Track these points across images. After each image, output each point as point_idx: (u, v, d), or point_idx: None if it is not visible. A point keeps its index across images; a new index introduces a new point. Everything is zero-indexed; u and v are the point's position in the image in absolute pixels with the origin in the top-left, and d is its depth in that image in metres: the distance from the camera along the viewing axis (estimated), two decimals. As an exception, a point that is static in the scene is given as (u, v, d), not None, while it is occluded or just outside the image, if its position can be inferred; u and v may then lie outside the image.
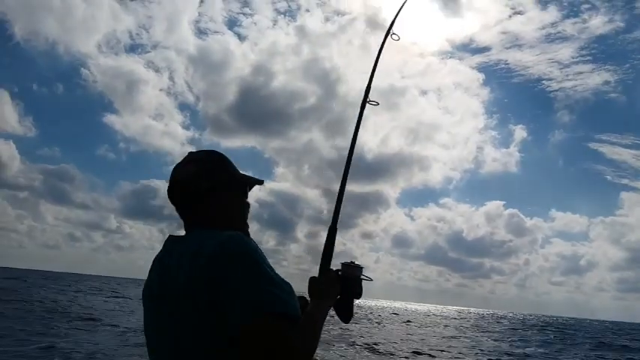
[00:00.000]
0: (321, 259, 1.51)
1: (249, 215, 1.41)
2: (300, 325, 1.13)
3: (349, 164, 1.63)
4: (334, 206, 1.57)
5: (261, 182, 1.45)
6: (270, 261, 1.21)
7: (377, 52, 1.84)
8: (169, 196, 1.35)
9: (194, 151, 1.41)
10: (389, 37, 1.88)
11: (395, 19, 1.91)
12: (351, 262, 1.46)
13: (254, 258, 1.14)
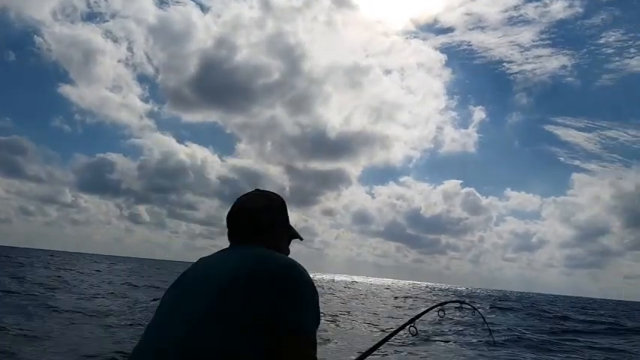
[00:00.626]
0: None
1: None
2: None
3: None
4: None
5: (301, 239, 1.62)
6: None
7: None
8: (231, 219, 1.47)
9: (262, 189, 1.58)
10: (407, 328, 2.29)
11: None
12: None
13: (315, 289, 1.28)
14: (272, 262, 1.27)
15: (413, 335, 2.19)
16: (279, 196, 1.56)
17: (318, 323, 1.26)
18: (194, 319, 1.19)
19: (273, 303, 1.19)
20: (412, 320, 2.30)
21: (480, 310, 3.11)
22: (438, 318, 2.67)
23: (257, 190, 1.56)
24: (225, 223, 1.48)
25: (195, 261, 1.43)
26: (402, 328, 2.27)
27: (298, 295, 1.22)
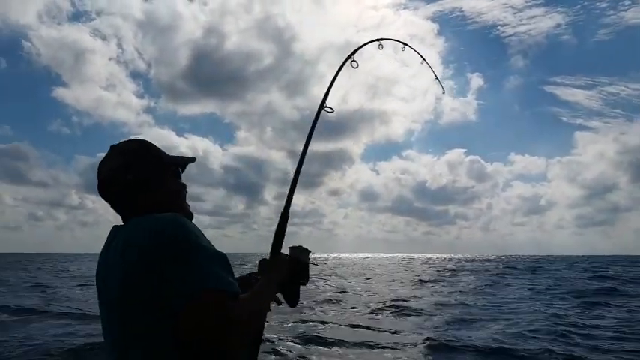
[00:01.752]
0: (272, 242, 1.55)
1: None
2: (243, 298, 1.14)
3: (299, 170, 1.71)
4: (287, 192, 1.64)
5: (192, 160, 1.45)
6: (240, 225, 1.30)
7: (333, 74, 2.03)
8: (100, 195, 1.33)
9: (115, 144, 1.38)
10: (348, 61, 2.08)
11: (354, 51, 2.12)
12: (299, 246, 1.51)
13: (186, 238, 1.12)
14: (139, 239, 1.13)
15: (355, 68, 2.04)
16: (132, 142, 1.37)
17: (218, 266, 1.12)
18: (118, 341, 1.14)
19: (159, 282, 1.07)
20: (351, 55, 2.11)
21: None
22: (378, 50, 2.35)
23: (110, 148, 1.36)
24: None
25: None
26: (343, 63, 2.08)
27: (179, 257, 1.09)
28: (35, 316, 10.94)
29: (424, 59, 2.61)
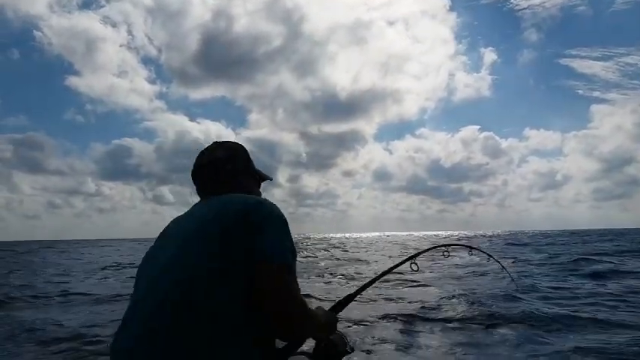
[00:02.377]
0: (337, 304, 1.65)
1: None
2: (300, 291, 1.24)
3: None
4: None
5: (270, 179, 1.68)
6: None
7: None
8: (195, 176, 1.53)
9: (219, 140, 1.61)
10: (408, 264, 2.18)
11: None
12: (340, 334, 1.56)
13: (285, 220, 1.32)
14: (239, 202, 1.30)
15: (414, 271, 2.14)
16: (238, 144, 1.61)
17: (294, 255, 1.27)
18: (171, 270, 1.21)
19: (245, 237, 1.21)
20: (414, 256, 2.18)
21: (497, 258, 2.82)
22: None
23: (215, 142, 1.59)
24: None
25: None
26: (404, 262, 2.16)
27: (270, 227, 1.24)
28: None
29: (491, 256, 2.78)
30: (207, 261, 1.18)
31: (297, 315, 1.19)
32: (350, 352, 1.55)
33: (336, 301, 1.66)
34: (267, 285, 1.16)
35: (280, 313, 1.16)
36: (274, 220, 1.28)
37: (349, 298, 1.69)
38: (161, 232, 1.41)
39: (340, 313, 1.64)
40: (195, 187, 1.53)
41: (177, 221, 1.41)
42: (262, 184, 1.66)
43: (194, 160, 1.56)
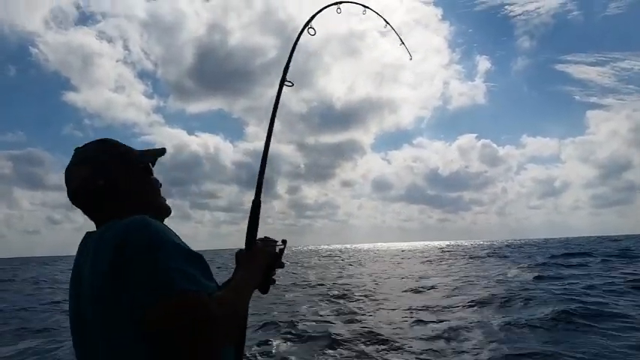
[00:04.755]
0: (246, 233, 1.48)
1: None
2: (220, 296, 1.10)
3: (267, 152, 1.61)
4: (256, 180, 1.54)
5: (162, 152, 1.42)
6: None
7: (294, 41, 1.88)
8: (71, 201, 1.30)
9: (79, 147, 1.34)
10: (305, 30, 1.92)
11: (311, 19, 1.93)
12: (266, 237, 1.49)
13: (155, 237, 1.09)
14: (107, 247, 1.09)
15: (312, 35, 1.94)
16: (97, 143, 1.33)
17: (190, 264, 1.09)
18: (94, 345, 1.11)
19: (128, 288, 1.04)
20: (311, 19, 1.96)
21: None
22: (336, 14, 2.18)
23: (74, 151, 1.33)
24: None
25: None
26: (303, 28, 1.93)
27: (144, 260, 1.04)
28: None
29: (388, 23, 2.43)
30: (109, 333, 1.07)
31: (222, 323, 1.06)
32: (283, 245, 1.47)
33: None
34: (173, 327, 1.02)
35: (206, 338, 1.03)
36: (140, 250, 1.06)
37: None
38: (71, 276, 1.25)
39: None
40: None
41: (73, 275, 1.23)
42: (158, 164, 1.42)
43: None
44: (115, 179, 1.27)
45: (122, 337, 1.06)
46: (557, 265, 20.88)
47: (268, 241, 1.46)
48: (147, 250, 1.06)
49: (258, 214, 1.51)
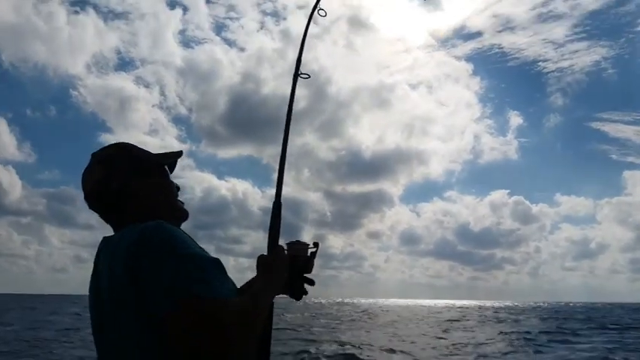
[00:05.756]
0: (268, 236, 1.43)
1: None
2: (236, 302, 1.08)
3: (287, 136, 1.61)
4: (276, 179, 1.51)
5: (179, 154, 1.40)
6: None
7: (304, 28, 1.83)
8: (88, 206, 1.30)
9: (96, 151, 1.34)
10: (315, 11, 1.87)
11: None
12: (297, 241, 1.43)
13: (170, 242, 1.08)
14: (123, 252, 1.09)
15: (323, 17, 1.87)
16: (112, 147, 1.34)
17: (207, 270, 1.08)
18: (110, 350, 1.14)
19: (145, 293, 1.04)
20: None
21: None
22: None
23: (91, 156, 1.33)
24: None
25: None
26: None
27: (161, 266, 1.04)
28: None
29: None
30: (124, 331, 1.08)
31: (237, 330, 1.01)
32: (315, 247, 1.41)
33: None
34: (189, 335, 0.99)
35: (219, 347, 0.99)
36: (160, 250, 1.05)
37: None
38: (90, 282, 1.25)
39: None
40: None
41: (92, 279, 1.23)
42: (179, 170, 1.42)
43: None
44: (129, 183, 1.26)
45: (137, 340, 1.06)
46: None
47: (298, 244, 1.41)
48: (162, 255, 1.05)
49: (280, 216, 1.46)
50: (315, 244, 1.42)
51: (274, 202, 1.48)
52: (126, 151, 1.32)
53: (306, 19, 1.84)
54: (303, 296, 1.41)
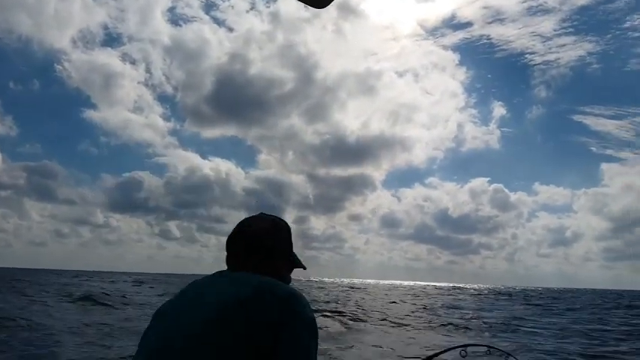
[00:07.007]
0: None
1: None
2: None
3: None
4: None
5: (304, 268, 1.50)
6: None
7: None
8: (231, 241, 1.39)
9: (267, 214, 1.48)
10: None
11: None
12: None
13: (316, 329, 1.19)
14: (269, 290, 1.19)
15: None
16: (284, 221, 1.48)
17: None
18: (180, 354, 1.12)
19: (269, 336, 1.12)
20: (429, 358, 2.06)
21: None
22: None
23: (262, 213, 1.48)
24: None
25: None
26: None
27: (296, 333, 1.14)
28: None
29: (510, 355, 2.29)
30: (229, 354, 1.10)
31: None
32: None
33: None
34: None
35: None
36: (304, 325, 1.16)
37: None
38: (180, 293, 1.31)
39: None
40: (226, 253, 1.40)
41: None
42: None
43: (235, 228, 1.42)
44: (277, 251, 1.39)
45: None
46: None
47: None
48: (306, 328, 1.16)
49: None
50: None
51: None
52: (289, 230, 1.47)
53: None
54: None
